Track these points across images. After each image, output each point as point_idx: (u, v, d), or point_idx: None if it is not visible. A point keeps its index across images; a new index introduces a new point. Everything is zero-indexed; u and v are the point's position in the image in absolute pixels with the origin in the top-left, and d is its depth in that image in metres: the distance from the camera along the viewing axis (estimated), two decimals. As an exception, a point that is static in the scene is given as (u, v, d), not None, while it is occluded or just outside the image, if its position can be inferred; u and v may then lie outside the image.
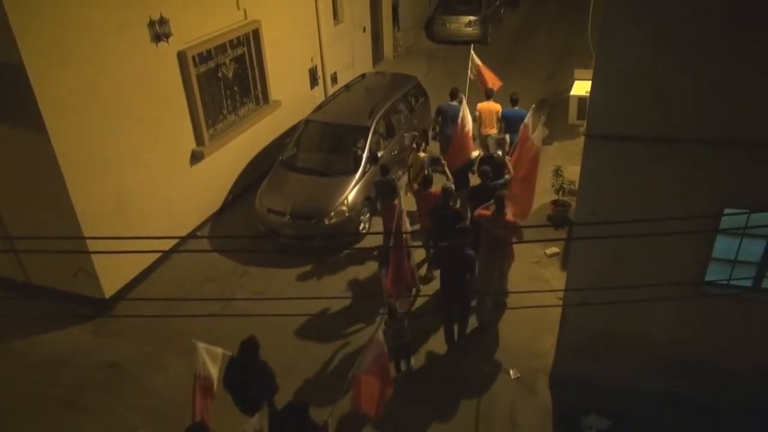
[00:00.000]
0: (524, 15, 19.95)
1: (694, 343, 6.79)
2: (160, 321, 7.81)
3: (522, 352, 7.89)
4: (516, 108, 10.57)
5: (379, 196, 9.16)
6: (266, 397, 6.34)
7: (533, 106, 10.35)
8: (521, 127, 9.34)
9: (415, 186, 8.75)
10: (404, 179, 10.11)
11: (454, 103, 10.78)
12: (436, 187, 8.44)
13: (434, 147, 11.00)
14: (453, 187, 8.34)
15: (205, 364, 6.08)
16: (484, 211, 7.59)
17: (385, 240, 8.78)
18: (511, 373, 7.62)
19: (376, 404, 6.31)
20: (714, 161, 5.78)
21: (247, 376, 6.24)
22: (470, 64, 11.42)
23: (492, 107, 10.70)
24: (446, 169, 9.41)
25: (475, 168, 9.17)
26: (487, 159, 9.08)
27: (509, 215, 7.49)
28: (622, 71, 5.67)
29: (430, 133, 10.98)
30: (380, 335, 6.33)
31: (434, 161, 9.51)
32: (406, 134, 10.71)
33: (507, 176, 8.74)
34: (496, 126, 10.55)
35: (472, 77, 11.48)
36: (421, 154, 9.53)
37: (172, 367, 7.89)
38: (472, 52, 11.62)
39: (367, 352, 6.17)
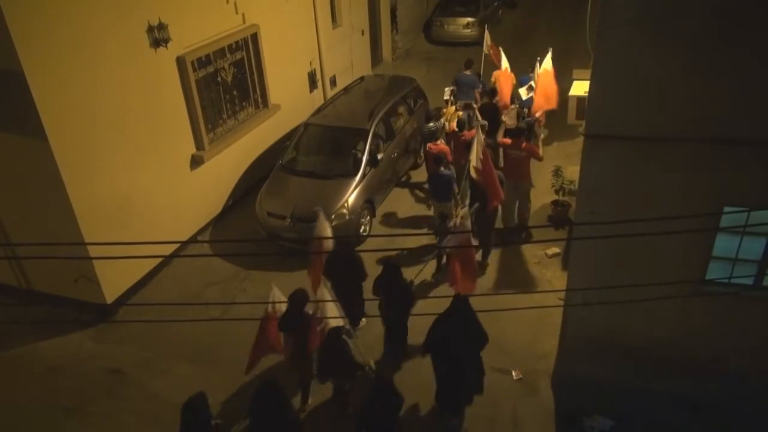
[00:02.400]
0: (522, 16, 19.94)
1: (695, 342, 6.79)
2: (161, 326, 7.79)
3: (524, 353, 7.87)
4: (467, 72, 12.13)
5: (424, 140, 10.67)
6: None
7: (550, 49, 11.47)
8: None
9: (452, 128, 10.34)
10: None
11: (468, 72, 12.30)
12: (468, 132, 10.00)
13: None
14: (487, 125, 10.23)
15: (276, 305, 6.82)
16: (506, 140, 9.65)
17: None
18: (513, 374, 7.60)
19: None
20: (713, 159, 5.78)
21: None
22: (485, 43, 12.85)
23: (508, 77, 12.12)
24: (477, 112, 10.82)
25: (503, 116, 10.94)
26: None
27: (525, 143, 9.33)
28: (620, 71, 5.67)
29: (450, 99, 11.90)
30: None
31: (467, 106, 11.22)
32: (446, 89, 12.04)
33: (531, 117, 10.79)
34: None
35: (486, 53, 12.87)
36: (452, 108, 11.32)
37: (174, 372, 7.89)
38: (486, 32, 13.03)
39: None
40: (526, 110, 11.54)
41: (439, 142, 10.07)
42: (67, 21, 7.51)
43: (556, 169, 10.21)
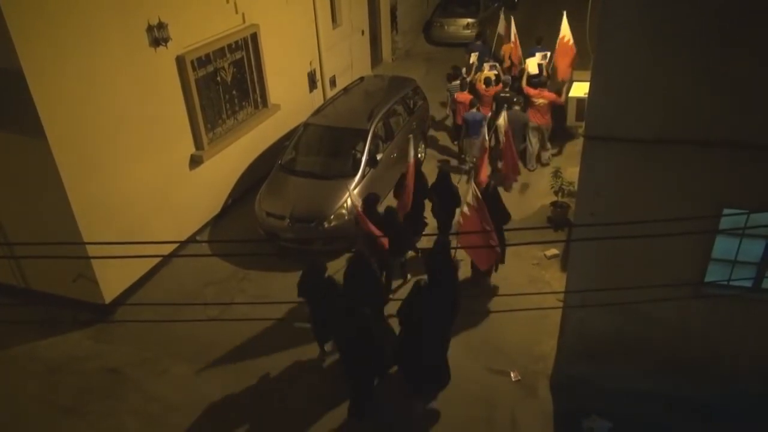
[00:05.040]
0: (522, 16, 19.88)
1: (694, 344, 6.77)
2: (160, 326, 7.80)
3: (522, 355, 7.87)
4: (478, 43, 14.30)
5: (451, 95, 12.78)
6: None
7: (564, 12, 12.40)
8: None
9: (480, 86, 12.15)
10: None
11: (478, 43, 14.35)
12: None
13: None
14: (510, 79, 12.43)
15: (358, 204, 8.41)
16: (531, 90, 11.56)
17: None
18: (512, 375, 7.60)
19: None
20: (712, 162, 5.77)
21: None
22: (500, 24, 14.34)
23: (509, 47, 13.82)
24: (500, 71, 12.73)
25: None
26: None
27: (546, 92, 11.48)
28: (620, 73, 5.66)
29: (475, 63, 13.30)
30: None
31: (493, 66, 12.80)
32: (471, 54, 13.50)
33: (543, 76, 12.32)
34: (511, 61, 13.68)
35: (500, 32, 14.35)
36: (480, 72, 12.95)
37: (173, 372, 7.88)
38: (501, 14, 14.61)
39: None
40: (546, 59, 12.91)
41: (465, 92, 12.08)
42: (66, 20, 7.49)
43: (556, 170, 10.21)
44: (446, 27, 18.69)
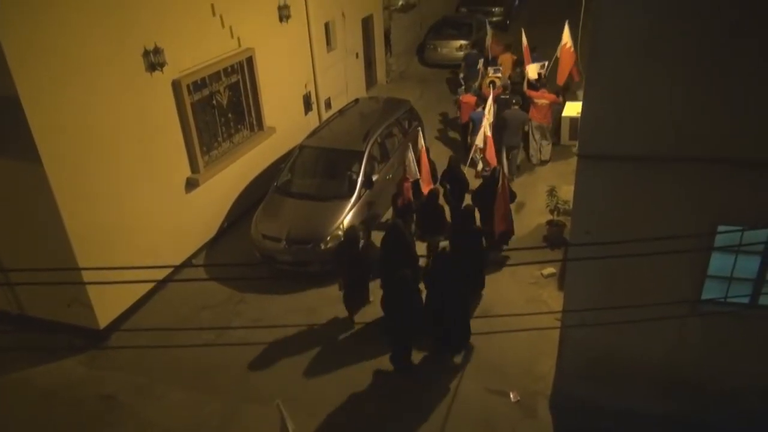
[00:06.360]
0: (514, 38, 20.18)
1: (693, 363, 6.72)
2: (155, 351, 7.73)
3: (521, 375, 7.82)
4: (474, 51, 16.43)
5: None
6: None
7: (566, 22, 13.01)
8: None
9: (486, 87, 13.21)
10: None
11: (474, 51, 16.33)
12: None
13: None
14: (509, 82, 13.91)
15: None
16: (532, 92, 12.66)
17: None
18: (511, 396, 7.54)
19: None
20: (707, 179, 5.78)
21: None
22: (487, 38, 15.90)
23: (509, 57, 15.14)
24: (502, 74, 13.72)
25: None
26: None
27: (547, 94, 12.58)
28: (612, 92, 5.69)
29: (461, 75, 15.20)
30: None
31: (497, 70, 13.74)
32: (479, 60, 14.94)
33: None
34: (511, 69, 14.86)
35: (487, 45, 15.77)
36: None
37: (167, 398, 7.78)
38: (488, 29, 16.47)
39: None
40: (544, 68, 13.82)
41: (469, 94, 13.48)
42: (63, 45, 7.55)
43: (551, 189, 10.25)
44: (439, 49, 18.91)
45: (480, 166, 11.17)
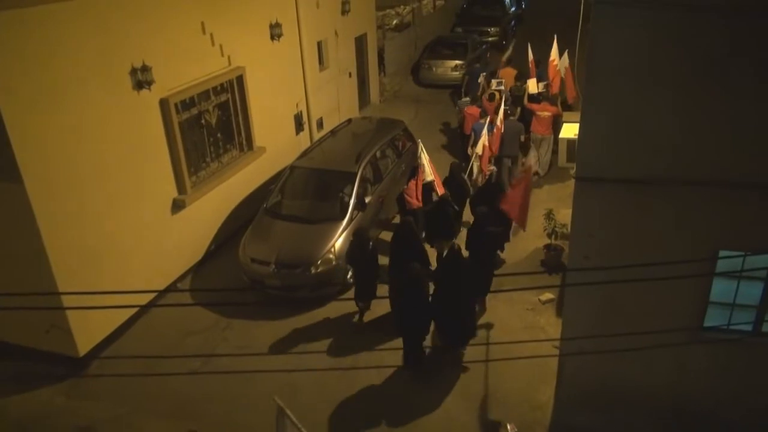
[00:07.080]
0: (516, 52, 20.23)
1: (695, 391, 6.57)
2: (136, 379, 7.42)
3: (519, 404, 7.57)
4: (477, 65, 16.90)
5: (461, 110, 14.29)
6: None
7: (566, 52, 13.80)
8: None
9: (485, 100, 13.58)
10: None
11: (477, 65, 16.76)
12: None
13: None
14: (510, 95, 14.27)
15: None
16: (533, 105, 13.14)
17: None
18: (509, 427, 7.22)
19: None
20: (707, 203, 5.71)
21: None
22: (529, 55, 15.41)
23: (511, 72, 15.56)
24: (503, 87, 14.16)
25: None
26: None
27: (549, 106, 13.05)
28: (609, 115, 5.65)
29: (483, 83, 15.04)
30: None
31: (499, 83, 14.25)
32: (492, 81, 14.73)
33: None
34: (514, 82, 15.26)
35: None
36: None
37: (149, 429, 7.46)
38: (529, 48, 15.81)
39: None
40: (546, 87, 14.22)
41: (474, 106, 13.80)
42: (47, 62, 7.36)
43: (548, 212, 10.06)
44: (434, 69, 18.87)
45: (475, 174, 11.37)
